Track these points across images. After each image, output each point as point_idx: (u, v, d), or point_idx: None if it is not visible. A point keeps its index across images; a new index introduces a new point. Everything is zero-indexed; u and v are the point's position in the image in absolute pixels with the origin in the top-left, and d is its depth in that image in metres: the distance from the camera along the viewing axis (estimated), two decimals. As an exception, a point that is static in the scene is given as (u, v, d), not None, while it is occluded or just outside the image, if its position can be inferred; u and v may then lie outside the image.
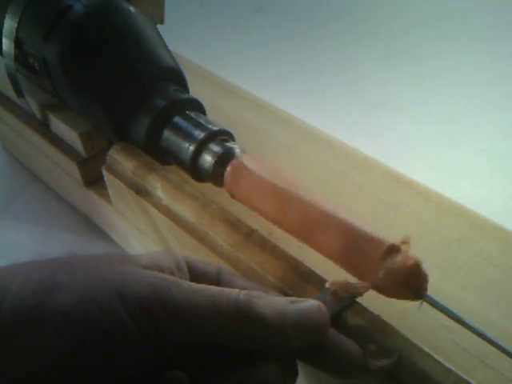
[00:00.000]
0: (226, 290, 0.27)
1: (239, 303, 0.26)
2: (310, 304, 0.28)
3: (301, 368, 0.30)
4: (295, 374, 0.30)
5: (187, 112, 0.42)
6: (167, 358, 0.27)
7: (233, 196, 0.38)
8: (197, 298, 0.26)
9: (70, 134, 0.48)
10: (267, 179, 0.36)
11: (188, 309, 0.26)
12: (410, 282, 0.29)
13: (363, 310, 0.30)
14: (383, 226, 0.41)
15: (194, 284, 0.27)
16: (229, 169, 0.38)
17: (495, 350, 0.28)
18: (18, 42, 0.46)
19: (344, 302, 0.30)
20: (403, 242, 0.30)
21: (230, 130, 0.42)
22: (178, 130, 0.41)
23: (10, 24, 0.46)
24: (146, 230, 0.43)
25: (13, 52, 0.46)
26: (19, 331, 0.24)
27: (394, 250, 0.30)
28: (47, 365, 0.24)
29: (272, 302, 0.27)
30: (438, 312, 0.30)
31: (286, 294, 0.32)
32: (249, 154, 0.39)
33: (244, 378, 0.28)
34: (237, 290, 0.27)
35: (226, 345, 0.27)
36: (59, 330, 0.24)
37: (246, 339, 0.27)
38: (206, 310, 0.26)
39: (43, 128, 0.52)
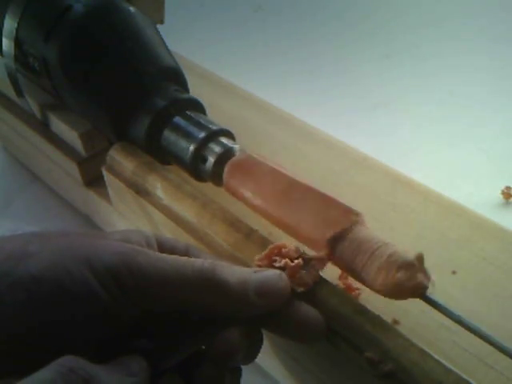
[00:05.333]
0: (192, 259, 0.29)
1: (203, 270, 0.28)
2: (271, 272, 0.29)
3: (299, 367, 0.30)
4: (260, 341, 0.31)
5: (187, 112, 0.42)
6: (134, 325, 0.28)
7: (231, 189, 0.38)
8: (162, 264, 0.27)
9: (70, 134, 0.48)
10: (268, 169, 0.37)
11: (154, 275, 0.27)
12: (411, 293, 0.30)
13: (363, 310, 0.30)
14: (383, 226, 0.41)
15: (160, 253, 0.29)
16: (229, 164, 0.38)
17: (495, 349, 0.28)
18: (18, 42, 0.46)
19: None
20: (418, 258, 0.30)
21: (229, 129, 0.42)
22: (178, 129, 0.41)
23: (10, 24, 0.46)
24: (146, 230, 0.43)
25: (13, 52, 0.46)
26: None
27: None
28: (14, 330, 0.25)
29: (235, 271, 0.29)
30: (438, 312, 0.30)
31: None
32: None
33: (208, 344, 0.29)
34: (202, 260, 0.28)
35: (191, 312, 0.28)
36: (30, 295, 0.25)
37: (211, 306, 0.28)
38: (172, 276, 0.27)
39: (43, 128, 0.52)
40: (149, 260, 0.27)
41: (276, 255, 0.31)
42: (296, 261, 0.31)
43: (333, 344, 0.30)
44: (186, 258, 0.29)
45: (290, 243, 0.32)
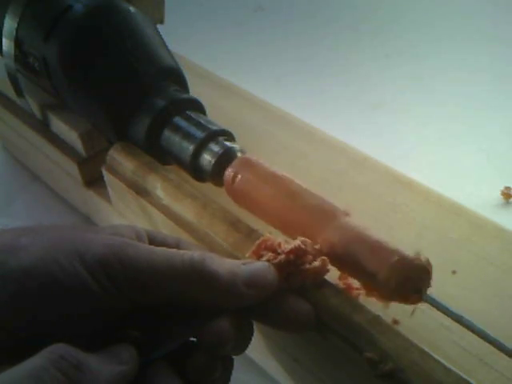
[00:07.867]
0: (181, 251, 0.29)
1: (193, 262, 0.28)
2: (260, 264, 0.30)
3: (300, 367, 0.30)
4: (250, 331, 0.31)
5: (187, 112, 0.42)
6: (125, 316, 0.28)
7: (234, 194, 0.38)
8: (152, 256, 0.28)
9: (70, 134, 0.48)
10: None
11: (144, 266, 0.27)
12: (413, 281, 0.29)
13: (363, 310, 0.30)
14: (383, 226, 0.41)
15: (150, 246, 0.29)
16: (231, 167, 0.38)
17: (495, 349, 0.28)
18: (18, 42, 0.46)
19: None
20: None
21: (229, 129, 0.42)
22: (178, 129, 0.41)
23: (10, 24, 0.46)
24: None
25: (13, 52, 0.46)
26: None
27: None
28: (5, 322, 0.25)
29: (225, 262, 0.29)
30: (438, 312, 0.30)
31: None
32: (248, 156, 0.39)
33: (198, 334, 0.29)
34: (191, 252, 0.29)
35: (181, 303, 0.28)
36: (21, 287, 0.26)
37: (200, 296, 0.28)
38: (161, 267, 0.27)
39: (43, 128, 0.52)
40: (139, 252, 0.28)
41: (264, 249, 0.32)
42: (283, 256, 0.31)
43: (333, 344, 0.30)
44: (175, 250, 0.29)
45: (276, 237, 0.32)
